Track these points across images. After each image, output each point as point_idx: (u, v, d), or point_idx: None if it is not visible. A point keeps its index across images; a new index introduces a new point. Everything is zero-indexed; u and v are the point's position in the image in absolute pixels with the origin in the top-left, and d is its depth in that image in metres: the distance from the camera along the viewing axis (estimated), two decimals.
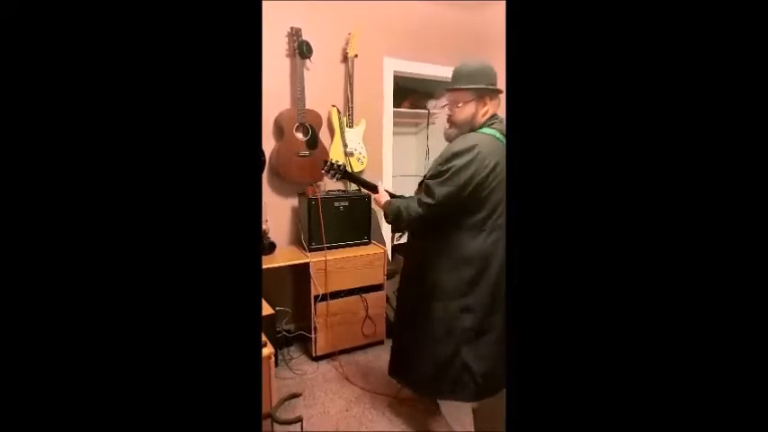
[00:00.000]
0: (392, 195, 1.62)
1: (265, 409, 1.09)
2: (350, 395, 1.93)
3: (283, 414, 0.98)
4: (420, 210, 1.35)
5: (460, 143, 1.34)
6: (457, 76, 1.43)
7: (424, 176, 1.44)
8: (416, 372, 1.48)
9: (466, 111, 1.41)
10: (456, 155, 1.30)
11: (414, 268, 1.54)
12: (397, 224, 1.45)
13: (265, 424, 1.10)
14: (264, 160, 2.24)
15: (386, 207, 1.51)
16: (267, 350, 1.14)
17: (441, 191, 1.30)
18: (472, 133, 1.40)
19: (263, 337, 1.19)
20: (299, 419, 0.98)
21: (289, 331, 2.36)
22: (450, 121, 1.46)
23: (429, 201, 1.33)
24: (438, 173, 1.33)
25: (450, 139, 1.46)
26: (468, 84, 1.40)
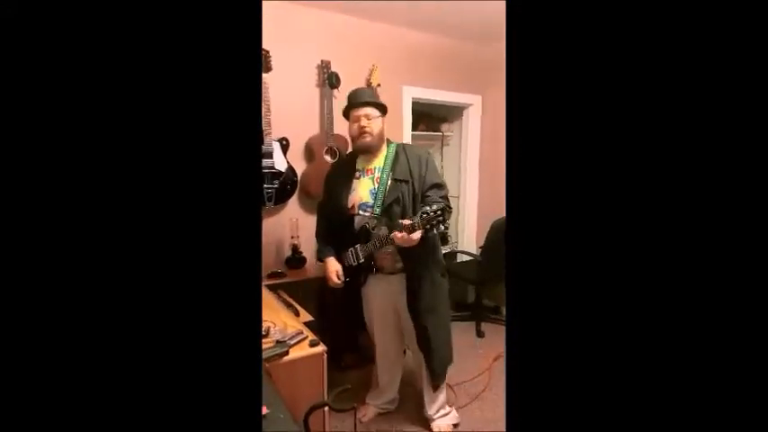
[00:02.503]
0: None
1: (321, 400, 1.23)
2: None
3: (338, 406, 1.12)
4: (450, 206, 1.57)
5: (421, 150, 1.70)
6: (368, 93, 1.68)
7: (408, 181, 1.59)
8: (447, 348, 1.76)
9: (379, 124, 1.63)
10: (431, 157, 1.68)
11: (422, 265, 1.64)
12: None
13: (319, 414, 1.24)
14: (297, 180, 2.43)
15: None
16: (321, 348, 1.28)
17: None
18: (410, 144, 1.76)
19: (316, 337, 1.34)
20: (353, 407, 1.11)
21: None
22: (367, 132, 1.59)
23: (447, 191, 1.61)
24: (438, 173, 1.65)
25: (370, 148, 1.62)
26: (377, 100, 1.66)
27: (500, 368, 2.39)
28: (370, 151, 1.63)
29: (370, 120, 1.60)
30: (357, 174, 1.68)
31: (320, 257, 1.78)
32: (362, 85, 2.66)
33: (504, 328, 2.96)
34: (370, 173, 1.64)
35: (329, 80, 2.44)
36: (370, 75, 2.65)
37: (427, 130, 3.41)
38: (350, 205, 1.65)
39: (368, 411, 1.94)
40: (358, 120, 1.60)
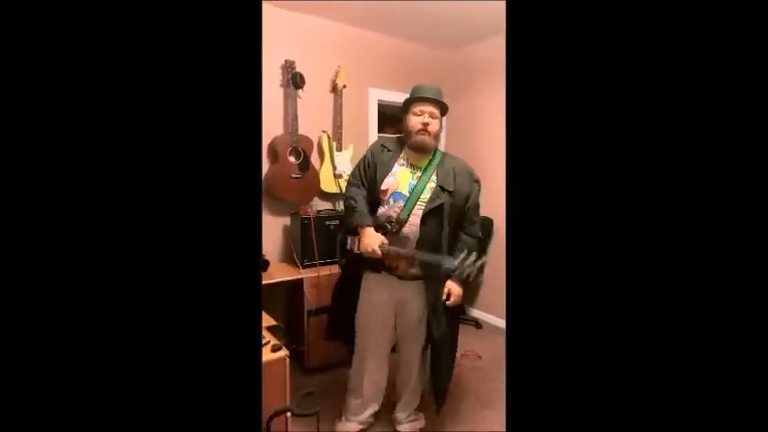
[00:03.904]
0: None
1: (283, 405, 1.20)
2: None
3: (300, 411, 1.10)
4: (480, 234, 1.62)
5: (469, 166, 1.63)
6: (435, 90, 1.55)
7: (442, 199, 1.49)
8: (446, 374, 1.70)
9: (439, 125, 1.56)
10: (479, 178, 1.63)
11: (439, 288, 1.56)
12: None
13: (282, 419, 1.21)
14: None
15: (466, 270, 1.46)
16: (283, 352, 1.26)
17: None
18: (457, 158, 1.65)
19: (278, 341, 1.31)
20: (317, 412, 1.10)
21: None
22: (429, 130, 1.51)
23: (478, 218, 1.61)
24: (477, 199, 1.61)
25: (426, 147, 1.54)
26: (442, 99, 1.56)
27: (465, 367, 2.43)
28: (425, 150, 1.55)
29: (433, 119, 1.52)
30: (401, 161, 1.58)
31: (357, 223, 1.53)
32: (327, 85, 2.65)
33: (469, 328, 3.01)
34: (412, 167, 1.56)
35: (293, 80, 2.41)
36: (335, 76, 2.64)
37: (394, 133, 3.43)
38: (383, 188, 1.53)
39: (350, 429, 1.78)
40: (422, 115, 1.52)
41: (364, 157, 1.65)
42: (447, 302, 1.52)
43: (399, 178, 1.53)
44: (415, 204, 1.49)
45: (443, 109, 1.58)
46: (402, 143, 1.62)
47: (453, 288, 1.53)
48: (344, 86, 2.64)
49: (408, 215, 1.49)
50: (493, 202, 2.72)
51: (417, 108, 1.53)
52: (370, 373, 1.71)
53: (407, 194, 1.51)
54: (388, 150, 1.60)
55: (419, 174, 1.55)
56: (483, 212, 1.70)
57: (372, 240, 1.47)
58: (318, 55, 2.59)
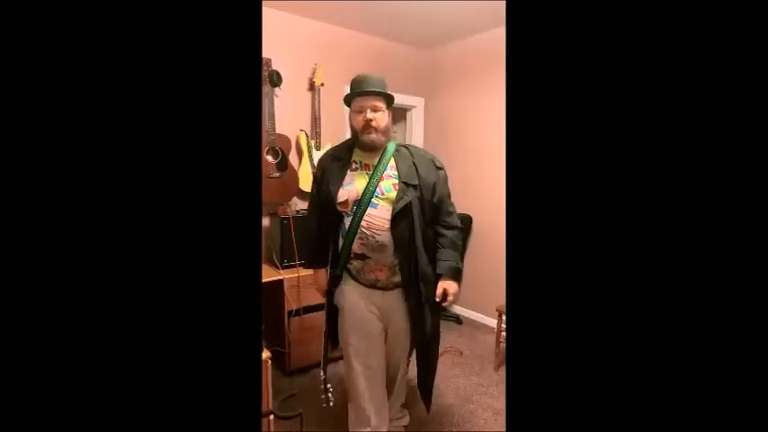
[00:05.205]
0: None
1: (264, 407, 1.18)
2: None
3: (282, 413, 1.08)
4: (459, 223, 1.55)
5: (429, 153, 1.54)
6: (376, 81, 1.38)
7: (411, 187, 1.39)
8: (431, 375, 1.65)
9: (386, 118, 1.40)
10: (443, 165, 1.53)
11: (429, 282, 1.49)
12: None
13: (264, 422, 1.19)
14: None
15: (454, 271, 1.51)
16: (265, 354, 1.24)
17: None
18: (416, 147, 1.55)
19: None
20: (299, 414, 1.08)
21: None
22: (373, 126, 1.36)
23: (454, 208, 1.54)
24: (448, 185, 1.53)
25: (376, 145, 1.39)
26: (385, 90, 1.39)
27: (447, 363, 2.45)
28: (375, 148, 1.40)
29: (377, 113, 1.37)
30: (354, 165, 1.43)
31: (308, 265, 1.63)
32: (305, 83, 2.62)
33: (449, 324, 3.04)
34: (368, 168, 1.41)
35: (270, 78, 2.37)
36: (313, 74, 2.61)
37: None
38: (342, 200, 1.39)
39: None
40: (363, 111, 1.37)
41: (314, 176, 1.55)
42: (445, 302, 1.48)
43: (357, 184, 1.40)
44: (368, 205, 1.37)
45: (388, 99, 1.41)
46: (351, 145, 1.49)
47: (450, 286, 1.47)
48: (322, 84, 2.62)
49: (362, 216, 1.37)
50: (471, 199, 2.75)
51: (357, 105, 1.39)
52: (369, 399, 1.55)
53: (371, 197, 1.38)
54: (338, 159, 1.46)
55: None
56: (461, 210, 1.70)
57: (318, 284, 1.62)
58: (295, 53, 2.56)
